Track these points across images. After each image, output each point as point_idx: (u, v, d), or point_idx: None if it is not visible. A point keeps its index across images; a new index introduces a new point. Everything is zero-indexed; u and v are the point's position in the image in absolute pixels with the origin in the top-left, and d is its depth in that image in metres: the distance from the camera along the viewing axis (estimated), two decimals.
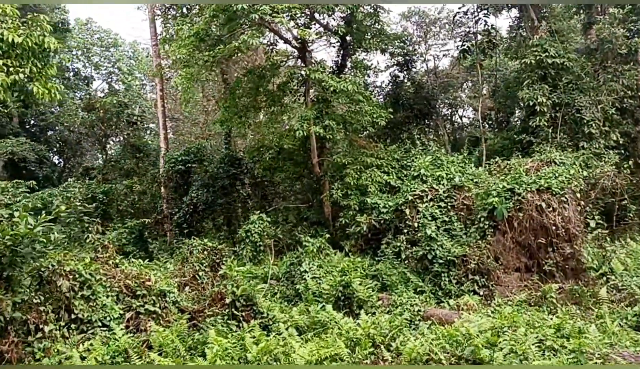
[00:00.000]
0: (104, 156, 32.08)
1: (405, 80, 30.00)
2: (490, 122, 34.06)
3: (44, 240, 9.62)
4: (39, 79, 13.90)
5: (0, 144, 36.26)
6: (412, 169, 19.84)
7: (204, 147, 30.30)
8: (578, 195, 17.00)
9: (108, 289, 11.34)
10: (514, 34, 29.45)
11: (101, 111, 29.54)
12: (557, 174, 16.97)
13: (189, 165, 28.79)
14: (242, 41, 19.82)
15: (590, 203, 20.92)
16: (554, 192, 16.27)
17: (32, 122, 42.76)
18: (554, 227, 15.87)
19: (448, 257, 15.97)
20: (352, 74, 31.86)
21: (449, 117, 40.91)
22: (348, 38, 26.32)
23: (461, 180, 18.71)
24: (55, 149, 42.51)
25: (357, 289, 14.10)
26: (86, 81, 53.27)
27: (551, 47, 24.66)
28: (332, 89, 22.16)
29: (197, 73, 24.69)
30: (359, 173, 22.66)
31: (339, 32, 25.37)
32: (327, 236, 19.34)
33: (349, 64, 29.72)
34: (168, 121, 39.90)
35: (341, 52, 26.53)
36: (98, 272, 11.50)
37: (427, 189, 18.62)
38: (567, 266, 16.10)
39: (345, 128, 25.72)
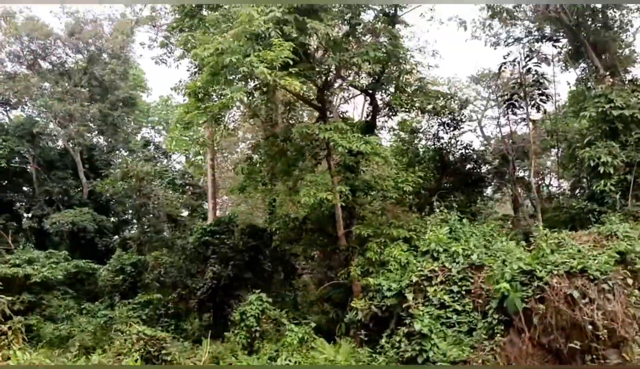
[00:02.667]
0: (140, 226, 29.90)
1: (452, 142, 25.67)
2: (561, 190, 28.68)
3: None
4: None
5: (63, 214, 35.49)
6: (423, 242, 15.49)
7: (236, 217, 27.35)
8: (630, 281, 11.99)
9: None
10: (578, 88, 24.57)
11: (133, 179, 27.56)
12: (602, 252, 12.11)
13: (217, 236, 25.80)
14: (229, 97, 16.80)
15: None
16: (591, 278, 11.43)
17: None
18: (590, 327, 10.95)
19: (442, 363, 11.40)
20: (391, 135, 28.42)
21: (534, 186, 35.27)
22: (378, 96, 22.76)
23: (481, 258, 14.19)
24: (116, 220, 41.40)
25: None
26: (165, 154, 52.94)
27: (618, 97, 19.72)
28: (356, 151, 18.64)
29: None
30: (382, 247, 18.61)
31: (367, 89, 22.09)
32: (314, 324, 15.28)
33: (381, 124, 26.22)
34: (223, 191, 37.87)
35: (369, 110, 22.96)
36: None
37: (437, 269, 14.25)
38: None
39: (374, 196, 21.95)
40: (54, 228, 34.90)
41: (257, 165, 22.73)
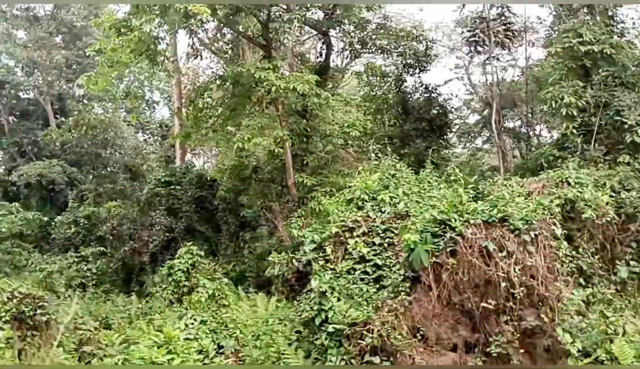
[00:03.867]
0: (96, 177, 28.42)
1: (418, 86, 23.70)
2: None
3: None
4: None
5: (32, 166, 34.07)
6: (349, 190, 13.82)
7: (193, 166, 25.78)
8: (559, 232, 10.33)
9: None
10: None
11: (84, 128, 25.92)
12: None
13: (172, 187, 24.26)
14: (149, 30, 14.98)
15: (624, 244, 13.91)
16: (512, 228, 9.77)
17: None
18: (505, 284, 9.36)
19: (340, 326, 9.89)
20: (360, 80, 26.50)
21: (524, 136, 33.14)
22: (332, 34, 20.77)
23: (408, 206, 12.54)
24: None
25: None
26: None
27: (588, 31, 17.59)
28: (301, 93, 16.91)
29: None
30: (327, 197, 16.99)
31: (319, 26, 20.11)
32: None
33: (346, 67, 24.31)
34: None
35: (323, 51, 21.02)
36: None
37: (360, 219, 12.63)
38: (533, 347, 9.53)
39: (328, 142, 20.26)
40: (21, 180, 33.53)
41: (205, 110, 20.90)
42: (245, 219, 22.92)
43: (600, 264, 13.67)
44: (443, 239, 9.87)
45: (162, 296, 16.16)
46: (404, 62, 23.45)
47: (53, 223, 26.05)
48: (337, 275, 11.06)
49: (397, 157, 17.56)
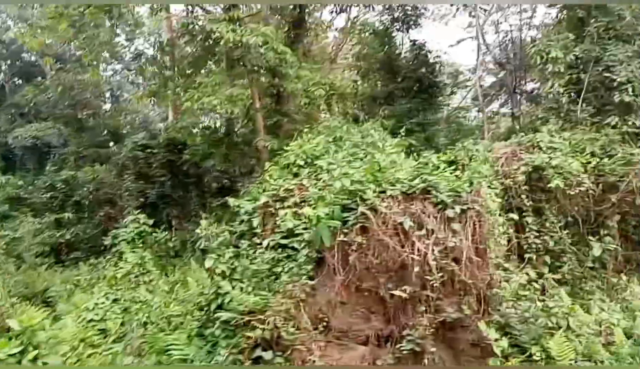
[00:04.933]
0: (77, 140, 27.29)
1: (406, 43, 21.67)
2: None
3: None
4: None
5: (27, 128, 33.15)
6: (285, 155, 12.20)
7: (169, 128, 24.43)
8: (494, 205, 8.60)
9: None
10: None
11: (60, 88, 24.71)
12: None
13: (149, 150, 23.00)
14: None
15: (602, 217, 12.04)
16: (435, 202, 8.09)
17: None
18: (417, 269, 7.75)
19: (231, 314, 8.43)
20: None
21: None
22: None
23: (347, 174, 10.84)
24: None
25: None
26: None
27: None
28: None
29: None
30: None
31: None
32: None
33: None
34: None
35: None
36: None
37: (294, 187, 11.05)
38: (456, 342, 7.95)
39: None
40: (16, 143, 32.76)
41: (167, 68, 19.36)
42: (222, 186, 21.61)
43: (571, 240, 11.92)
44: (354, 214, 8.22)
45: (104, 267, 15.06)
46: (391, 16, 21.36)
47: (31, 187, 25.14)
48: (241, 253, 9.48)
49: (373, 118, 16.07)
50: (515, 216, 11.56)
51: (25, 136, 32.26)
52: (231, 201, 12.46)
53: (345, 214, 8.35)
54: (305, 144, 11.76)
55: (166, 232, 16.39)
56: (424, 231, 7.94)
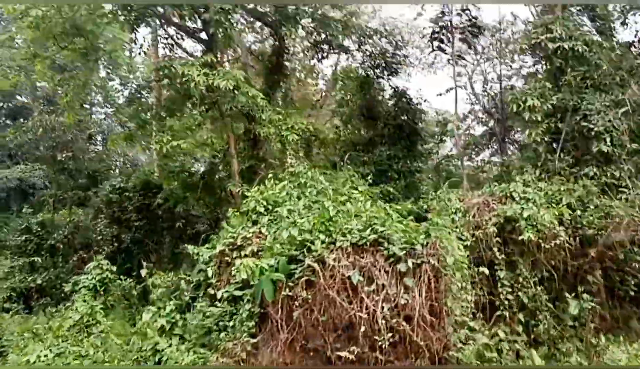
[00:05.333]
0: (55, 182, 26.74)
1: (385, 90, 21.36)
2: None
3: None
4: None
5: (13, 170, 32.60)
6: (245, 201, 11.61)
7: (152, 173, 23.90)
8: (451, 260, 7.93)
9: None
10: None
11: (40, 130, 24.28)
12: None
13: (126, 194, 22.39)
14: None
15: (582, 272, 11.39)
16: (387, 254, 7.46)
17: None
18: (363, 328, 7.07)
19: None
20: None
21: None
22: (283, 30, 18.59)
23: (311, 223, 10.25)
24: None
25: None
26: None
27: (561, 26, 15.12)
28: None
29: None
30: None
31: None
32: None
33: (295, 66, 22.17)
34: None
35: (275, 46, 18.90)
36: None
37: (250, 236, 10.43)
38: None
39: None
40: (0, 184, 32.15)
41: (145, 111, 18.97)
42: (196, 231, 20.91)
43: (548, 297, 11.24)
44: (302, 266, 7.58)
45: (62, 315, 14.26)
46: (372, 63, 21.14)
47: (6, 229, 24.43)
48: (185, 305, 8.79)
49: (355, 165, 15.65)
50: (485, 270, 10.92)
51: (10, 177, 31.68)
52: (190, 248, 11.86)
53: (292, 266, 7.70)
54: (267, 191, 11.17)
55: (131, 279, 15.62)
56: (374, 286, 7.27)
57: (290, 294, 7.49)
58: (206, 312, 8.64)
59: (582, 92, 14.35)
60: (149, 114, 18.86)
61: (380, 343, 6.95)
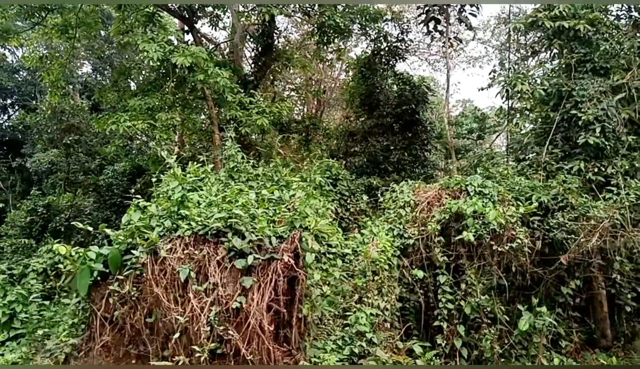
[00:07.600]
0: (66, 165, 26.53)
1: (387, 76, 19.58)
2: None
3: None
4: None
5: (46, 154, 33.04)
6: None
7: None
8: (311, 258, 6.42)
9: None
10: None
11: (49, 112, 24.09)
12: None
13: (126, 179, 21.90)
14: None
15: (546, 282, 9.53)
16: (229, 247, 6.09)
17: None
18: (177, 335, 5.70)
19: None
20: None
21: None
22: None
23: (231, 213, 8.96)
24: None
25: None
26: None
27: (564, 4, 13.10)
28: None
29: None
30: None
31: None
32: None
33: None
34: None
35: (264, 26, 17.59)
36: None
37: (171, 233, 9.18)
38: None
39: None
40: (33, 167, 32.61)
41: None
42: None
43: (505, 309, 9.44)
44: (132, 257, 6.31)
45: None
46: (376, 48, 19.50)
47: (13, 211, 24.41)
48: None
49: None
50: (419, 273, 9.26)
51: (42, 161, 31.98)
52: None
53: (127, 258, 6.43)
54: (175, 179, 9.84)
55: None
56: (206, 285, 5.89)
57: (118, 289, 6.19)
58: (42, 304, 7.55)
59: (581, 76, 12.25)
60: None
61: (198, 355, 5.55)
